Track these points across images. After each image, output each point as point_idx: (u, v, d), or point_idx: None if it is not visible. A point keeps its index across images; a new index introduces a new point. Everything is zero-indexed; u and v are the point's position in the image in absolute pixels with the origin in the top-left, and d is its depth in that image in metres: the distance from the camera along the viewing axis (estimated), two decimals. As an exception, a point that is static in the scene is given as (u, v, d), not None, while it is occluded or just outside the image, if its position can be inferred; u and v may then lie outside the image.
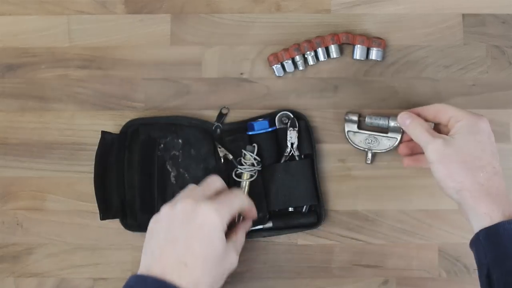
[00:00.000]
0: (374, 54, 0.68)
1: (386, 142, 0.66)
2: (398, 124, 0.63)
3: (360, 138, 0.67)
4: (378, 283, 0.67)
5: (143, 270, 0.53)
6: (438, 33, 0.70)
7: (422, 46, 0.69)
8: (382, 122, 0.66)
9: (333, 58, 0.69)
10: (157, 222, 0.56)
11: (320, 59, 0.69)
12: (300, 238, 0.68)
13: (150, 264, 0.53)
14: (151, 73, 0.69)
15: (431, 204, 0.68)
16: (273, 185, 0.66)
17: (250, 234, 0.66)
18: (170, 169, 0.67)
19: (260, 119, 0.67)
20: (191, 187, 0.58)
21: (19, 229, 0.68)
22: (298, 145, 0.66)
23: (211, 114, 0.69)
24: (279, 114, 0.67)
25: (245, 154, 0.65)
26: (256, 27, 0.70)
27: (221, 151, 0.66)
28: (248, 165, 0.65)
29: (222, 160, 0.66)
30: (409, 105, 0.68)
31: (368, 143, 0.67)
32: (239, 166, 0.65)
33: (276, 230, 0.67)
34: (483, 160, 0.55)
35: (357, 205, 0.68)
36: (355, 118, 0.67)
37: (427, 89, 0.69)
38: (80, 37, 0.70)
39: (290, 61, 0.68)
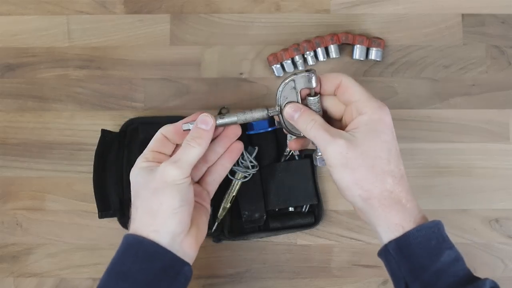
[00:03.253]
0: (374, 54, 0.68)
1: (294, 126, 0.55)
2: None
3: (288, 97, 0.55)
4: (377, 283, 0.67)
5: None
6: (437, 33, 0.70)
7: (422, 46, 0.69)
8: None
9: (333, 58, 0.69)
10: None
11: (319, 59, 0.69)
12: (300, 238, 0.68)
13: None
14: (150, 73, 0.69)
15: (430, 204, 0.67)
16: (273, 184, 0.66)
17: (249, 235, 0.67)
18: (169, 169, 0.67)
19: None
20: None
21: (19, 229, 0.68)
22: (297, 145, 0.67)
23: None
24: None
25: (243, 154, 0.65)
26: (256, 27, 0.70)
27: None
28: (244, 166, 0.65)
29: None
30: (409, 105, 0.69)
31: (284, 106, 0.55)
32: (233, 167, 0.65)
33: (274, 230, 0.67)
34: (390, 163, 0.49)
35: (357, 205, 0.68)
36: (312, 85, 0.53)
37: (427, 89, 0.69)
38: (79, 37, 0.70)
39: (289, 61, 0.68)
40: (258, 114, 0.55)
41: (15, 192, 0.69)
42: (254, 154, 0.66)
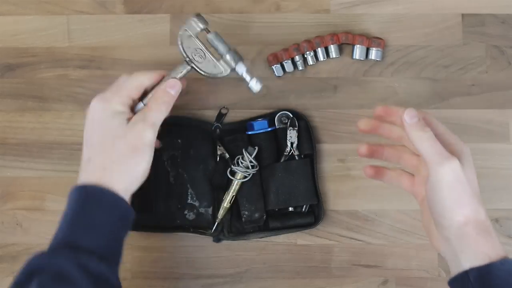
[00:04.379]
0: (374, 54, 0.68)
1: (211, 68, 0.59)
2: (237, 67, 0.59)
3: (191, 45, 0.59)
4: (377, 283, 0.67)
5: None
6: (437, 33, 0.70)
7: (422, 46, 0.69)
8: (221, 47, 0.59)
9: (333, 58, 0.69)
10: None
11: (319, 59, 0.69)
12: (300, 238, 0.68)
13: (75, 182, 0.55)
14: (150, 73, 0.69)
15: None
16: (273, 184, 0.66)
17: (249, 235, 0.67)
18: (169, 169, 0.67)
19: (260, 119, 0.67)
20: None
21: (19, 229, 0.68)
22: (298, 145, 0.67)
23: (210, 114, 0.69)
24: (278, 114, 0.67)
25: (243, 155, 0.65)
26: (256, 27, 0.70)
27: (219, 150, 0.66)
28: (244, 166, 0.65)
29: (218, 159, 0.67)
30: (409, 105, 0.68)
31: (194, 55, 0.59)
32: (233, 167, 0.66)
33: (274, 230, 0.67)
34: (479, 194, 0.50)
35: (357, 205, 0.68)
36: (201, 26, 0.59)
37: (427, 89, 0.69)
38: (79, 37, 0.70)
39: (289, 61, 0.68)
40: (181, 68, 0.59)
41: (15, 192, 0.69)
42: (254, 154, 0.66)
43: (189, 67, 0.59)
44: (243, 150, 0.66)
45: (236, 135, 0.67)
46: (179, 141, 0.67)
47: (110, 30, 0.70)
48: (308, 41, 0.68)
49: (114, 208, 0.53)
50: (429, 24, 0.70)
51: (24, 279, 0.49)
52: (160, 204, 0.66)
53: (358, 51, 0.68)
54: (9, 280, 0.67)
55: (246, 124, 0.68)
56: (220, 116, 0.68)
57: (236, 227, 0.67)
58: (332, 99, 0.69)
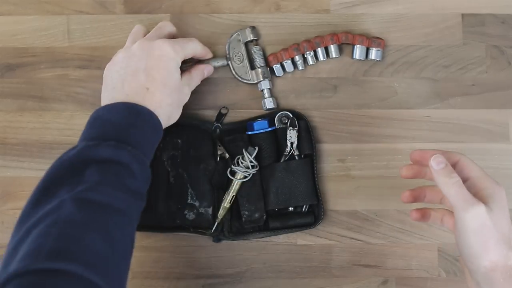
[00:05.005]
0: (374, 54, 0.68)
1: (243, 72, 0.68)
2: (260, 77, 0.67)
3: (236, 48, 0.68)
4: (377, 283, 0.67)
5: (106, 102, 0.58)
6: (437, 33, 0.70)
7: (422, 46, 0.69)
8: (259, 61, 0.67)
9: (333, 58, 0.69)
10: (114, 65, 0.60)
11: (319, 59, 0.69)
12: (300, 238, 0.68)
13: (113, 96, 0.58)
14: (150, 73, 0.69)
15: (430, 204, 0.67)
16: (273, 184, 0.66)
17: (249, 235, 0.67)
18: (169, 169, 0.67)
19: (260, 119, 0.67)
20: (139, 29, 0.64)
21: (19, 229, 0.68)
22: (298, 145, 0.67)
23: (210, 114, 0.69)
24: (278, 114, 0.67)
25: (243, 155, 0.65)
26: (256, 27, 0.70)
27: (219, 150, 0.67)
28: (244, 166, 0.65)
29: (218, 158, 0.67)
30: (409, 105, 0.69)
31: (234, 56, 0.67)
32: (233, 167, 0.66)
33: (274, 230, 0.67)
34: (510, 238, 0.50)
35: (357, 205, 0.68)
36: (251, 37, 0.68)
37: (427, 89, 0.69)
38: (79, 37, 0.70)
39: (289, 61, 0.68)
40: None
41: (15, 192, 0.69)
42: (254, 154, 0.66)
43: (226, 62, 0.67)
44: (243, 150, 0.66)
45: (236, 135, 0.67)
46: (179, 141, 0.67)
47: (110, 30, 0.70)
48: (308, 41, 0.68)
49: (156, 134, 0.58)
50: (429, 24, 0.70)
51: (79, 164, 0.52)
52: (160, 204, 0.66)
53: (358, 51, 0.68)
54: (9, 280, 0.67)
55: (246, 124, 0.68)
56: (220, 116, 0.68)
57: (236, 227, 0.67)
58: (332, 99, 0.69)
